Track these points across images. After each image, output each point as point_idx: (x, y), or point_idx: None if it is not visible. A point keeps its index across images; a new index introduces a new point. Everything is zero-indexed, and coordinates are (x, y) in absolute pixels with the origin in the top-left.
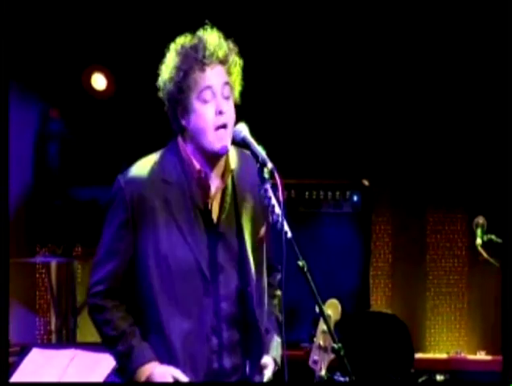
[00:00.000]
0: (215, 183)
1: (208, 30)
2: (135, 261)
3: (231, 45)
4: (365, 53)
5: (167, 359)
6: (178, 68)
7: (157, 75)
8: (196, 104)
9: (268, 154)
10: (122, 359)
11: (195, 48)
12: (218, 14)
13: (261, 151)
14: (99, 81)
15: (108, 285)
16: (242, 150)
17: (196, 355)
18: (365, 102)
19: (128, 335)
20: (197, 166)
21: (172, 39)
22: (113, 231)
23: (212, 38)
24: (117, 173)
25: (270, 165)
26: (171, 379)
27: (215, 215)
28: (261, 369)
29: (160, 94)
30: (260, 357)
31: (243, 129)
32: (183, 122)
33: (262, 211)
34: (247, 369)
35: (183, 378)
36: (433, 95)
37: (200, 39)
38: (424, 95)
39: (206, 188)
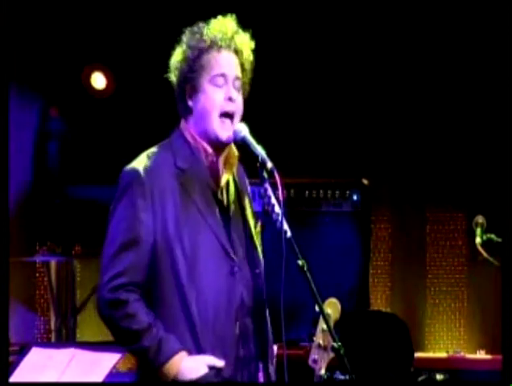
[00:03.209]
0: (221, 170)
1: (228, 16)
2: (156, 249)
3: (248, 37)
4: (365, 53)
5: (195, 347)
6: (192, 47)
7: (157, 71)
8: (207, 86)
9: (268, 154)
10: (149, 354)
11: (212, 29)
12: (217, 13)
13: (261, 151)
14: (98, 80)
15: (130, 278)
16: None
17: (226, 338)
18: (364, 101)
19: (153, 328)
20: (209, 149)
21: (172, 38)
22: (133, 218)
23: (230, 24)
24: (117, 172)
25: (269, 164)
26: (204, 369)
27: (225, 200)
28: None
29: (171, 75)
30: (268, 345)
31: (243, 129)
32: (190, 103)
33: (255, 212)
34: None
35: (219, 363)
36: (433, 95)
37: (219, 23)
38: (424, 95)
39: (217, 174)
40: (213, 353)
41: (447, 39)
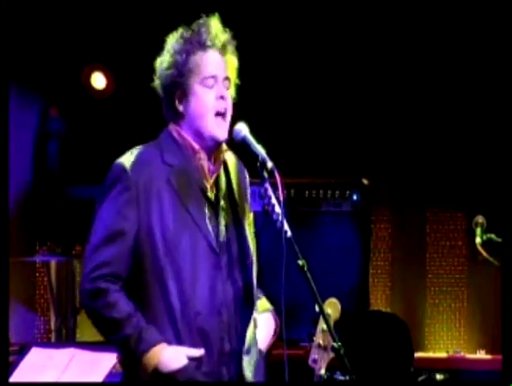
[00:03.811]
0: (211, 167)
1: (210, 17)
2: (140, 243)
3: (230, 35)
4: (365, 52)
5: (175, 340)
6: (179, 52)
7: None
8: (198, 88)
9: (268, 153)
10: (130, 343)
11: (197, 32)
12: (217, 13)
13: (261, 150)
14: (98, 80)
15: (112, 269)
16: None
17: (208, 332)
18: (364, 101)
19: (134, 318)
20: (196, 146)
21: None
22: (116, 211)
23: (214, 23)
24: None
25: (270, 164)
26: (184, 361)
27: (213, 197)
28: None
29: (156, 82)
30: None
31: (243, 129)
32: (181, 108)
33: (248, 202)
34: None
35: (198, 352)
36: (433, 95)
37: (202, 24)
38: (424, 95)
39: (205, 171)
40: (194, 346)
41: (447, 39)
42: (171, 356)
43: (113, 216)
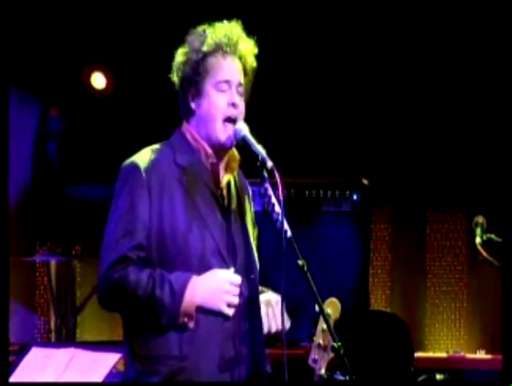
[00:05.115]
0: (222, 172)
1: (233, 22)
2: (150, 242)
3: (252, 44)
4: (365, 53)
5: (179, 344)
6: (196, 50)
7: (157, 71)
8: (210, 91)
9: (268, 153)
10: (166, 299)
11: (218, 33)
12: (218, 13)
13: (261, 150)
14: (98, 80)
15: (137, 256)
16: None
17: (212, 338)
18: (365, 102)
19: (160, 275)
20: (209, 150)
21: (171, 38)
22: (133, 206)
23: (236, 29)
24: (116, 171)
25: (269, 164)
26: (228, 286)
27: (224, 202)
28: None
29: (173, 76)
30: (260, 347)
31: (243, 128)
32: (193, 105)
33: (252, 215)
34: (253, 360)
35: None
36: (433, 95)
37: (224, 27)
38: (424, 95)
39: (216, 176)
40: (197, 353)
41: (447, 39)
42: (211, 289)
43: (130, 212)
